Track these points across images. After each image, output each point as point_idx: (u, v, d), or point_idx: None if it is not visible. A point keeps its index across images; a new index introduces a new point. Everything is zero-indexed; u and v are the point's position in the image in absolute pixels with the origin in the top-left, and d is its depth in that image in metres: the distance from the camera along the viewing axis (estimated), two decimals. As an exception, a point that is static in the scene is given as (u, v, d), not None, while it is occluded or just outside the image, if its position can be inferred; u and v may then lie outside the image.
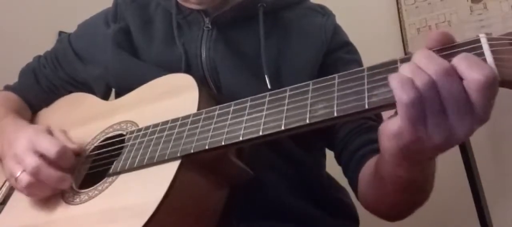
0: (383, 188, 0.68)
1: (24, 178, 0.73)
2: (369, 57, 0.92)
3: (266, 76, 0.83)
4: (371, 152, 0.78)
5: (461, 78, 0.49)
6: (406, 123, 0.51)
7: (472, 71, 0.48)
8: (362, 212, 0.90)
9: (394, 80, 0.51)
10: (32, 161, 0.73)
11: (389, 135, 0.55)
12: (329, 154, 0.95)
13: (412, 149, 0.54)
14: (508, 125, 1.68)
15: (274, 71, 0.86)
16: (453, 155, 1.60)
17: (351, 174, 0.82)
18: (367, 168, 0.77)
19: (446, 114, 0.50)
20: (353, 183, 0.82)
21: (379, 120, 0.83)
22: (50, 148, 0.74)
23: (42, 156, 0.73)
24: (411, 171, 0.60)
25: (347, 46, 0.95)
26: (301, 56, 0.88)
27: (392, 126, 0.54)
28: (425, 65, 0.50)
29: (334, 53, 0.91)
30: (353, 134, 0.83)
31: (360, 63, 0.94)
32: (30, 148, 0.74)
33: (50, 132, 0.80)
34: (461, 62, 0.49)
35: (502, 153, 1.75)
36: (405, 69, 0.51)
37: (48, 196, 0.75)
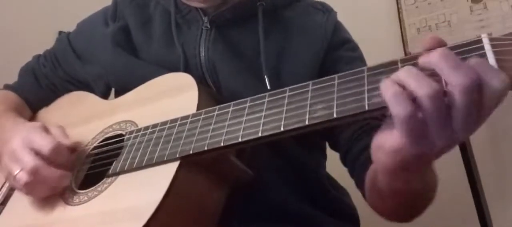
0: (382, 199, 0.67)
1: (22, 176, 0.72)
2: (369, 57, 0.92)
3: (265, 76, 0.82)
4: None
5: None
6: (407, 140, 0.50)
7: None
8: (362, 213, 0.90)
9: (387, 91, 0.49)
10: (29, 159, 0.73)
11: (389, 151, 0.53)
12: (329, 154, 0.95)
13: (412, 162, 0.52)
14: (508, 125, 1.68)
15: (273, 71, 0.84)
16: (453, 155, 1.60)
17: (357, 177, 0.80)
18: (369, 173, 0.75)
19: (451, 119, 0.48)
20: (360, 186, 0.79)
21: (384, 119, 0.81)
22: (44, 144, 0.74)
23: (37, 153, 0.73)
24: (409, 182, 0.59)
25: (349, 43, 0.93)
26: (301, 55, 0.87)
27: (392, 142, 0.52)
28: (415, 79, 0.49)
29: (336, 51, 0.90)
30: (358, 135, 0.81)
31: (362, 60, 0.92)
32: (26, 145, 0.74)
33: (45, 129, 0.79)
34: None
35: (502, 153, 1.74)
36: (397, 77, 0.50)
37: (48, 195, 0.75)
